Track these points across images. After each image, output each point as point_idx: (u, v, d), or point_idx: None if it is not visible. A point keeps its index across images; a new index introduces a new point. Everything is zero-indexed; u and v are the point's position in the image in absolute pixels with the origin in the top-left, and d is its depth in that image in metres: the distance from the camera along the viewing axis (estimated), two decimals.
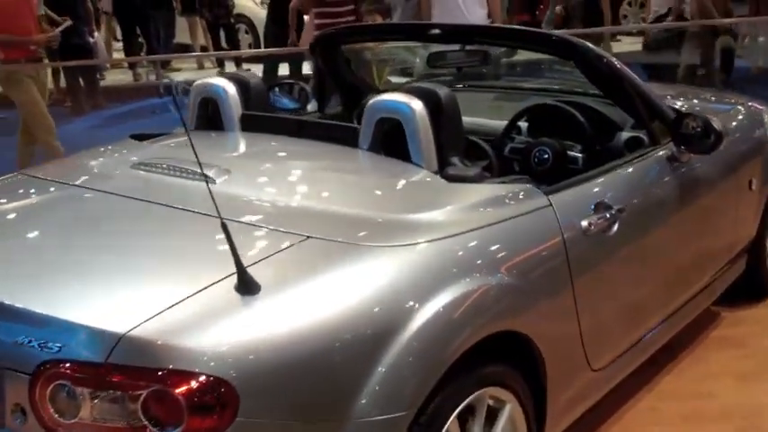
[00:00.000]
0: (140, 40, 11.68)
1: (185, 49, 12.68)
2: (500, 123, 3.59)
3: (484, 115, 3.73)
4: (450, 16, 6.22)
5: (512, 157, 3.42)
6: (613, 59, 3.02)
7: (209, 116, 3.01)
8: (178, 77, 11.47)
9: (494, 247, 2.28)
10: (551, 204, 2.47)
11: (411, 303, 1.99)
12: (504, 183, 2.50)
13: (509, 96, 3.86)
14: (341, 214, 2.20)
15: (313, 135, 2.77)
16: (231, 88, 2.96)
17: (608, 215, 2.61)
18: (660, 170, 3.01)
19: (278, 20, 8.81)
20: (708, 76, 8.00)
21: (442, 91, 2.60)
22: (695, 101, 3.96)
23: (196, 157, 1.96)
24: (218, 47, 12.07)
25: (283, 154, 2.74)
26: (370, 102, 2.60)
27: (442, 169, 2.50)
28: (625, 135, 3.32)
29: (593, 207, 2.60)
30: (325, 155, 2.66)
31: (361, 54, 4.27)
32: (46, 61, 6.89)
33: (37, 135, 6.37)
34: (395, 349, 1.92)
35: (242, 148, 2.90)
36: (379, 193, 2.37)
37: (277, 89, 3.96)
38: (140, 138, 2.96)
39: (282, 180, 2.42)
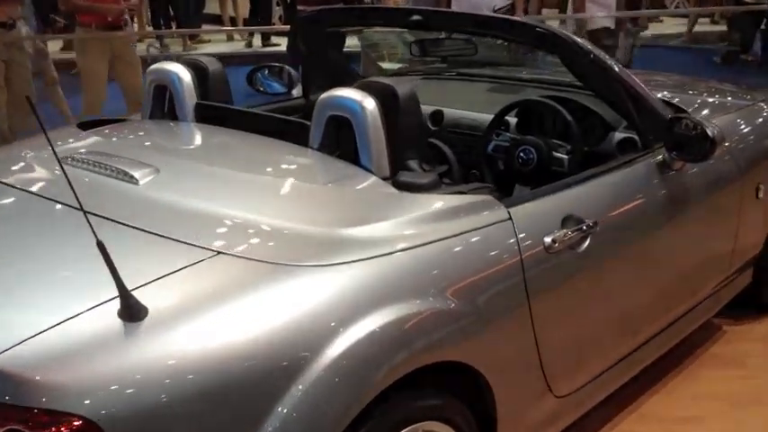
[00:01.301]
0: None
1: (216, 20, 12.54)
2: (490, 117, 3.36)
3: (474, 107, 3.50)
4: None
5: (495, 155, 3.19)
6: (602, 54, 2.76)
7: (164, 104, 2.82)
8: (206, 49, 11.35)
9: (437, 267, 2.06)
10: (511, 218, 2.24)
11: (332, 328, 1.79)
12: (461, 192, 2.27)
13: (504, 87, 3.61)
14: (265, 226, 1.99)
15: (265, 129, 2.57)
16: (186, 75, 2.76)
17: (577, 230, 2.37)
18: (647, 178, 2.75)
19: None
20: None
21: (402, 87, 2.38)
22: (708, 97, 3.68)
23: (56, 156, 1.76)
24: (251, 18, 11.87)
25: (223, 152, 2.53)
26: (321, 97, 2.39)
27: (395, 174, 2.28)
28: (618, 136, 3.07)
29: (561, 221, 2.36)
30: (266, 155, 2.45)
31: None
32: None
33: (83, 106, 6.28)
34: (308, 380, 1.72)
35: (181, 143, 2.70)
36: (314, 202, 2.15)
37: (267, 71, 3.77)
38: (88, 125, 2.78)
39: (211, 183, 2.22)
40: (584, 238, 2.39)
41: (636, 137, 2.92)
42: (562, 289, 2.36)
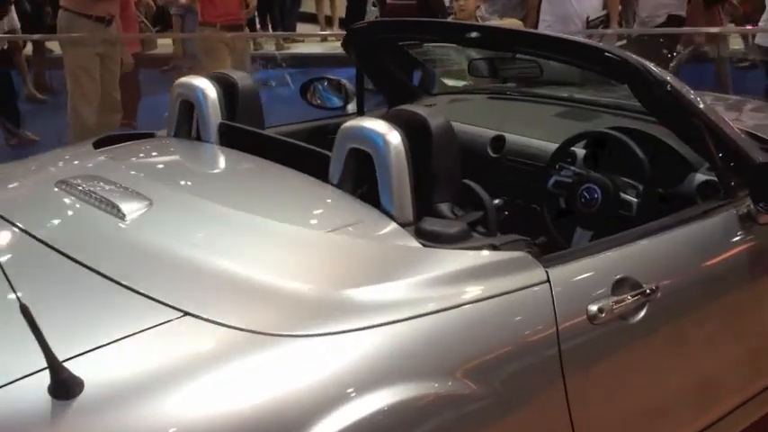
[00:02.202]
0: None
1: (311, 19, 12.40)
2: (555, 147, 3.00)
3: (540, 134, 3.14)
4: (560, 5, 5.59)
5: (557, 191, 2.83)
6: (680, 86, 2.37)
7: (191, 121, 2.58)
8: (299, 49, 11.17)
9: (455, 339, 1.74)
10: (549, 280, 1.90)
11: (318, 415, 1.50)
12: (492, 246, 1.94)
13: (576, 113, 3.24)
14: (252, 283, 1.71)
15: (286, 158, 2.29)
16: (212, 92, 2.52)
17: (632, 297, 2.01)
18: (725, 233, 2.35)
19: None
20: None
21: (435, 119, 2.07)
22: None
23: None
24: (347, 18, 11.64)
25: (229, 184, 2.26)
26: (343, 126, 2.10)
27: (420, 219, 1.98)
28: (700, 178, 2.67)
29: (612, 285, 2.01)
30: (276, 191, 2.18)
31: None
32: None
33: None
34: None
35: (189, 170, 2.44)
36: (317, 253, 1.85)
37: (325, 83, 3.52)
38: (103, 142, 2.56)
39: (203, 224, 1.95)
40: (639, 307, 2.03)
41: None
42: (606, 367, 2.00)
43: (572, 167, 2.85)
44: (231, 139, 2.48)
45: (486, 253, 1.89)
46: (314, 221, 1.99)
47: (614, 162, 2.80)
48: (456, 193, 2.09)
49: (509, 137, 3.20)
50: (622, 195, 2.65)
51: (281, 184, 2.20)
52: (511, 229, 3.12)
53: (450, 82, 3.80)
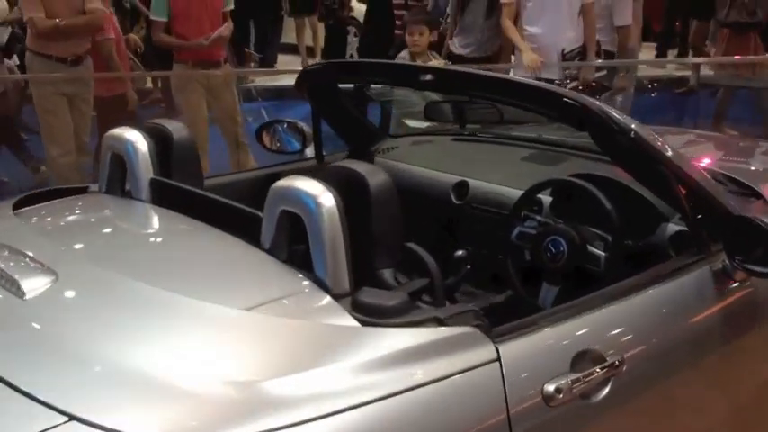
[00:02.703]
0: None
1: (293, 50, 12.24)
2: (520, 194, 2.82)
3: (506, 179, 2.96)
4: (534, 38, 5.43)
5: (521, 244, 2.64)
6: (646, 132, 2.19)
7: (123, 175, 2.38)
8: (284, 81, 10.94)
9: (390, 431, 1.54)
10: (499, 359, 1.70)
11: None
12: (437, 320, 1.73)
13: (544, 156, 3.06)
14: (155, 377, 1.49)
15: (219, 218, 2.10)
16: (143, 145, 2.32)
17: (594, 372, 1.81)
18: (698, 294, 2.17)
19: (375, 29, 8.07)
20: None
21: (375, 178, 1.88)
22: None
23: None
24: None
25: (150, 252, 2.04)
26: (273, 186, 1.90)
27: (358, 288, 1.78)
28: (672, 228, 2.48)
29: (571, 360, 1.81)
30: (202, 259, 1.97)
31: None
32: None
33: None
34: None
35: (107, 236, 2.23)
36: (237, 337, 1.64)
37: (284, 125, 3.33)
38: (25, 202, 2.36)
39: (110, 305, 1.73)
40: (602, 383, 1.83)
41: None
42: None
43: (537, 217, 2.67)
44: (163, 196, 2.28)
45: (428, 330, 1.69)
46: (237, 296, 1.77)
47: (582, 210, 2.62)
48: (398, 258, 1.90)
49: (473, 183, 3.02)
50: (589, 249, 2.46)
51: (206, 251, 2.00)
52: (476, 282, 2.97)
53: (412, 123, 3.63)
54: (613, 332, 1.95)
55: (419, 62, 5.14)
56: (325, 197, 1.79)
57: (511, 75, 5.34)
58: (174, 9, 5.59)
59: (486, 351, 1.70)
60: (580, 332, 1.88)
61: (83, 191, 2.53)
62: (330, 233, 1.77)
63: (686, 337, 2.11)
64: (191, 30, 5.65)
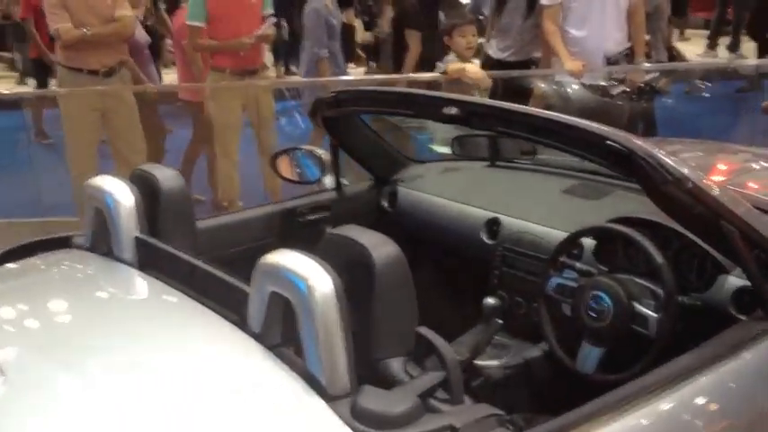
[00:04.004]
0: None
1: None
2: (560, 235, 2.51)
3: (543, 217, 2.65)
4: (575, 42, 5.08)
5: (558, 297, 2.33)
6: (704, 182, 1.87)
7: (106, 231, 2.11)
8: None
9: None
10: None
11: None
12: (452, 430, 1.44)
13: (587, 188, 2.72)
14: None
15: (206, 288, 1.83)
16: (127, 198, 2.05)
17: None
18: (765, 377, 1.84)
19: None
20: None
21: (380, 251, 1.59)
22: None
23: None
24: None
25: (115, 339, 1.72)
26: (260, 261, 1.63)
27: (360, 382, 1.49)
28: (733, 282, 2.15)
29: None
30: (175, 347, 1.68)
31: None
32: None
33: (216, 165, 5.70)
34: None
35: (71, 316, 1.93)
36: None
37: (299, 153, 3.06)
38: (8, 257, 2.12)
39: (50, 415, 1.47)
40: None
41: None
42: None
43: (578, 264, 2.35)
44: (148, 257, 2.02)
45: None
46: (205, 401, 1.49)
47: (628, 258, 2.31)
48: (410, 346, 1.61)
49: (506, 220, 2.71)
50: (637, 308, 2.15)
51: (182, 337, 1.72)
52: (510, 329, 2.66)
53: (439, 148, 3.32)
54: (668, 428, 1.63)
55: (468, 65, 4.78)
56: (319, 279, 1.50)
57: (552, 83, 5.01)
58: (212, 12, 5.29)
59: None
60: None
61: (66, 241, 2.28)
62: (325, 323, 1.49)
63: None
64: (229, 34, 5.35)
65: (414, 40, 5.63)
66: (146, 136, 5.42)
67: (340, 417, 1.43)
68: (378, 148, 3.02)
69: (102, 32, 5.06)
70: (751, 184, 2.90)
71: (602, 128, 1.91)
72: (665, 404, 1.67)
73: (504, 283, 2.66)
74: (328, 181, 3.05)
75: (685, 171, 1.84)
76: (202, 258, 1.95)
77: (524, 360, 2.54)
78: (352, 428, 1.41)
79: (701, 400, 1.74)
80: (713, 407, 1.76)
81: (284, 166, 3.09)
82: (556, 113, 2.02)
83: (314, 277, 1.50)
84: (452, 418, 1.46)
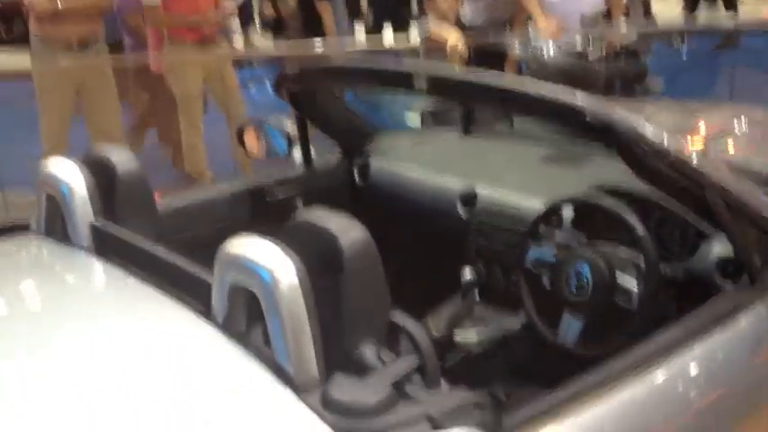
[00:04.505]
0: None
1: None
2: (540, 208, 2.43)
3: (520, 187, 2.57)
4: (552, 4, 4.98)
5: (538, 271, 2.26)
6: (686, 154, 1.79)
7: (61, 216, 2.01)
8: None
9: None
10: None
11: None
12: (429, 419, 1.36)
13: (566, 155, 2.64)
14: None
15: (166, 278, 1.74)
16: (80, 184, 1.94)
17: None
18: (754, 345, 1.78)
19: None
20: None
21: (349, 236, 1.50)
22: None
23: None
24: None
25: (68, 332, 1.62)
26: (221, 250, 1.54)
27: (331, 374, 1.41)
28: (717, 250, 2.09)
29: None
30: (134, 336, 1.58)
31: None
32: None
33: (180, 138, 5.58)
34: None
35: (31, 302, 1.82)
36: None
37: (266, 126, 2.95)
38: None
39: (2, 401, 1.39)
40: None
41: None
42: None
43: (556, 234, 2.28)
44: (106, 243, 1.92)
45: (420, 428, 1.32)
46: (167, 393, 1.41)
47: (609, 227, 2.23)
48: (382, 333, 1.52)
49: (482, 192, 2.62)
50: (619, 281, 2.08)
51: (142, 327, 1.62)
52: (491, 301, 2.58)
53: (414, 115, 3.22)
54: (650, 410, 1.57)
55: (444, 28, 4.66)
56: (284, 269, 1.42)
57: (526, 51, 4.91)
58: None
59: None
60: (611, 415, 1.50)
61: (25, 228, 2.18)
62: (291, 315, 1.40)
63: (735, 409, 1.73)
64: (185, 9, 5.26)
65: (326, 12, 5.52)
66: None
67: (311, 408, 1.35)
68: (347, 119, 2.92)
69: (75, 6, 4.92)
70: (732, 147, 2.84)
71: (582, 100, 1.83)
72: (658, 376, 1.60)
73: (482, 254, 2.58)
74: (297, 155, 2.95)
75: (667, 143, 1.77)
76: (164, 244, 1.86)
77: (503, 333, 2.47)
78: (323, 419, 1.33)
79: (693, 371, 1.68)
80: (705, 377, 1.70)
81: (251, 141, 2.98)
82: (533, 84, 1.93)
83: (278, 268, 1.41)
84: (428, 406, 1.39)
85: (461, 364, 2.38)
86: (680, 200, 1.98)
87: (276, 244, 1.45)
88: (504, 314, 2.55)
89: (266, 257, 1.43)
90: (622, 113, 1.79)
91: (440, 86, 2.09)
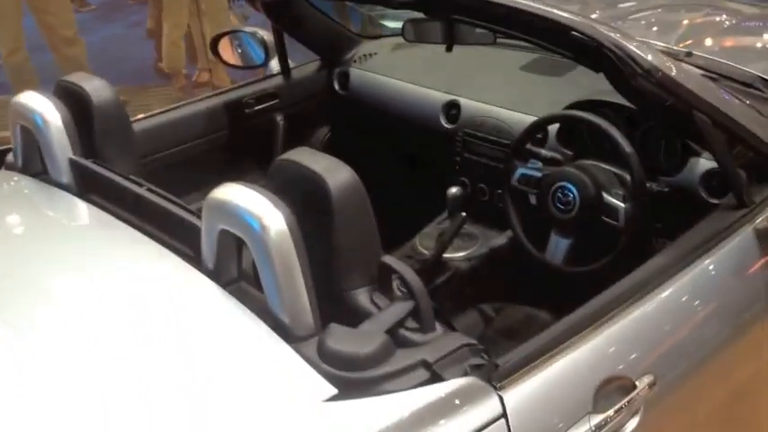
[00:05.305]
0: None
1: None
2: (522, 117, 2.40)
3: (503, 97, 2.52)
4: None
5: (523, 188, 2.25)
6: (675, 71, 1.75)
7: (38, 150, 1.96)
8: None
9: None
10: (505, 414, 1.35)
11: None
12: (425, 364, 1.36)
13: (548, 64, 2.58)
14: None
15: (153, 221, 1.70)
16: (55, 117, 1.88)
17: (622, 405, 1.47)
18: (738, 266, 1.79)
19: None
20: None
21: (336, 177, 1.47)
22: None
23: None
24: None
25: (47, 280, 1.57)
26: (208, 198, 1.49)
27: (325, 322, 1.41)
28: (704, 165, 2.08)
29: (593, 396, 1.46)
30: (126, 288, 1.56)
31: None
32: None
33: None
34: None
35: (16, 246, 1.76)
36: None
37: (242, 36, 2.86)
38: None
39: None
40: (632, 416, 1.49)
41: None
42: None
43: (542, 151, 2.26)
44: (86, 179, 1.88)
45: (416, 394, 1.32)
46: (160, 344, 1.40)
47: (594, 140, 2.22)
48: (373, 275, 1.51)
49: (465, 103, 2.58)
50: (606, 198, 2.07)
51: (131, 271, 1.60)
52: (478, 217, 2.57)
53: (389, 23, 3.13)
54: (641, 344, 1.58)
55: None
56: (272, 217, 1.38)
57: None
58: None
59: (488, 407, 1.34)
60: (602, 354, 1.51)
61: (1, 158, 2.12)
62: (283, 263, 1.38)
63: (729, 333, 1.75)
64: None
65: None
66: None
67: (306, 359, 1.35)
68: (324, 28, 2.84)
69: None
70: (716, 47, 2.79)
71: (568, 17, 1.76)
72: (653, 305, 1.61)
73: (466, 168, 2.56)
74: (274, 64, 2.88)
75: (656, 62, 1.72)
76: (143, 168, 1.82)
77: (490, 249, 2.48)
78: (319, 371, 1.33)
79: (687, 294, 1.69)
80: (700, 298, 1.72)
81: (226, 51, 2.90)
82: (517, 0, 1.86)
83: (266, 215, 1.39)
84: (424, 352, 1.39)
85: (450, 282, 2.39)
86: (668, 122, 1.95)
87: (263, 192, 1.42)
88: (490, 230, 2.55)
89: (255, 205, 1.40)
90: (610, 31, 1.74)
91: (421, 0, 2.01)
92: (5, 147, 2.15)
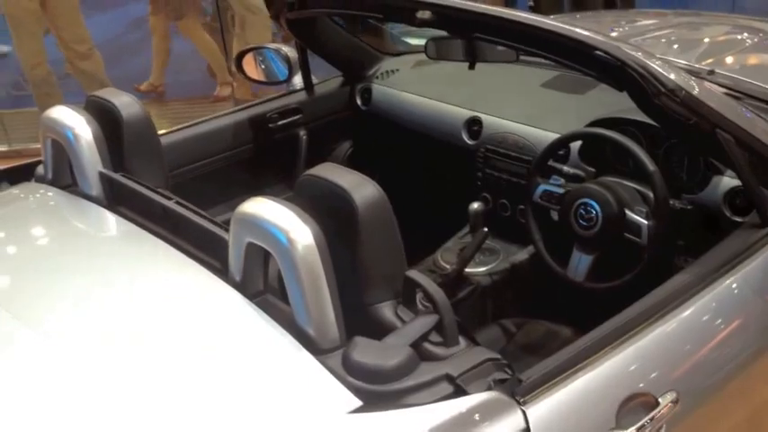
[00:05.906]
0: None
1: None
2: (545, 134, 2.41)
3: (525, 114, 2.54)
4: None
5: (546, 204, 2.26)
6: (699, 90, 1.75)
7: (68, 163, 1.99)
8: None
9: None
10: (528, 429, 1.36)
11: None
12: (448, 378, 1.38)
13: (569, 81, 2.59)
14: None
15: (181, 234, 1.73)
16: (86, 131, 1.91)
17: (645, 424, 1.47)
18: (763, 284, 1.79)
19: None
20: None
21: (362, 193, 1.48)
22: None
23: None
24: None
25: (68, 296, 1.58)
26: (237, 211, 1.52)
27: (350, 335, 1.43)
28: (727, 183, 2.09)
29: (616, 412, 1.47)
30: (153, 299, 1.58)
31: None
32: None
33: None
34: None
35: (47, 258, 1.79)
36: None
37: (266, 52, 2.90)
38: None
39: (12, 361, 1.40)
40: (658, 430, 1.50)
41: None
42: None
43: (564, 167, 2.27)
44: (115, 192, 1.90)
45: (440, 408, 1.34)
46: (187, 354, 1.42)
47: (618, 160, 2.23)
48: (398, 290, 1.53)
49: (487, 119, 2.59)
50: (629, 215, 2.08)
51: (159, 286, 1.62)
52: (499, 233, 2.58)
53: (413, 41, 3.15)
54: (664, 360, 1.59)
55: None
56: (300, 232, 1.40)
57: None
58: None
59: (511, 421, 1.35)
60: (625, 370, 1.52)
61: (31, 170, 2.15)
62: (310, 276, 1.40)
63: (753, 350, 1.75)
64: None
65: None
66: None
67: (331, 371, 1.36)
68: (347, 44, 2.86)
69: None
70: (738, 65, 2.79)
71: (592, 36, 1.77)
72: (685, 312, 1.62)
73: (488, 184, 2.58)
74: (297, 80, 2.91)
75: (679, 81, 1.73)
76: (172, 181, 1.84)
77: (512, 265, 2.49)
78: (344, 383, 1.34)
79: (709, 313, 1.69)
80: (723, 318, 1.72)
81: (250, 67, 2.93)
82: (540, 18, 1.87)
83: (294, 230, 1.40)
84: (448, 365, 1.40)
85: (471, 297, 2.40)
86: (691, 141, 1.96)
87: (290, 206, 1.44)
88: (512, 245, 2.56)
89: (282, 219, 1.42)
90: (633, 50, 1.75)
91: (444, 19, 2.03)
92: (35, 159, 2.19)
